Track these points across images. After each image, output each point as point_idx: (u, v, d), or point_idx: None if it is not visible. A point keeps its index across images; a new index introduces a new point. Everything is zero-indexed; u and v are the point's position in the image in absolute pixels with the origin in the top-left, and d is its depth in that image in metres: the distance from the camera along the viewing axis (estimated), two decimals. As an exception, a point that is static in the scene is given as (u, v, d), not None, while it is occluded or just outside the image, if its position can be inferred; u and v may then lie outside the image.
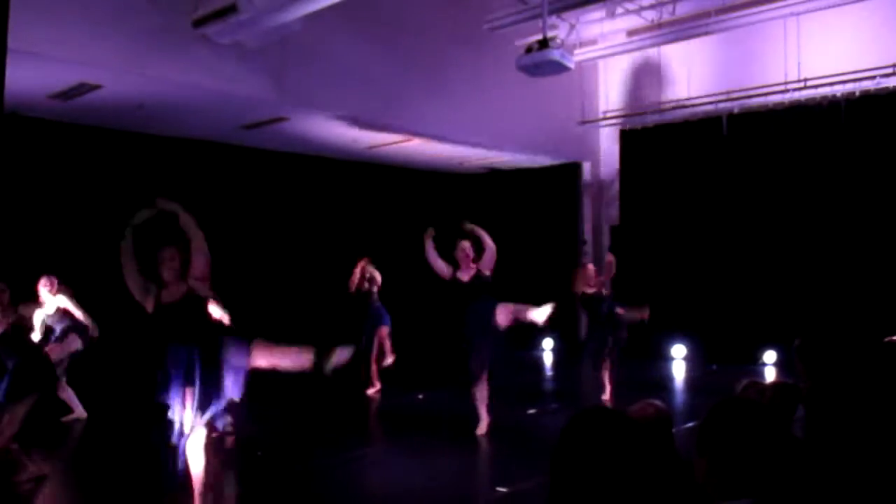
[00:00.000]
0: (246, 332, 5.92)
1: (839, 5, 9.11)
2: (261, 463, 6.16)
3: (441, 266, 6.97)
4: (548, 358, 13.01)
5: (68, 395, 7.43)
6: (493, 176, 14.46)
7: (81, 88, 8.13)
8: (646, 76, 12.95)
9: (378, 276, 9.37)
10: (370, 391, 9.26)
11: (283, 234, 11.79)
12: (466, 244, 7.16)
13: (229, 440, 6.59)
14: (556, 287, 13.66)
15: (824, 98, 10.92)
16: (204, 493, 4.77)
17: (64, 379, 7.33)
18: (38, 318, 7.18)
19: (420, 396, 9.09)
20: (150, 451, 6.66)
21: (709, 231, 12.19)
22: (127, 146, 10.20)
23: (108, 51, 7.34)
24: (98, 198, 10.00)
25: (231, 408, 5.08)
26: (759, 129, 11.66)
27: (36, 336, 6.89)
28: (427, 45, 10.32)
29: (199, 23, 7.69)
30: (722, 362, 11.49)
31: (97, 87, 8.09)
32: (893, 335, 6.02)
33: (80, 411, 7.49)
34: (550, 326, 13.18)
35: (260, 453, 6.50)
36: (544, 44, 7.40)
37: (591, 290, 8.40)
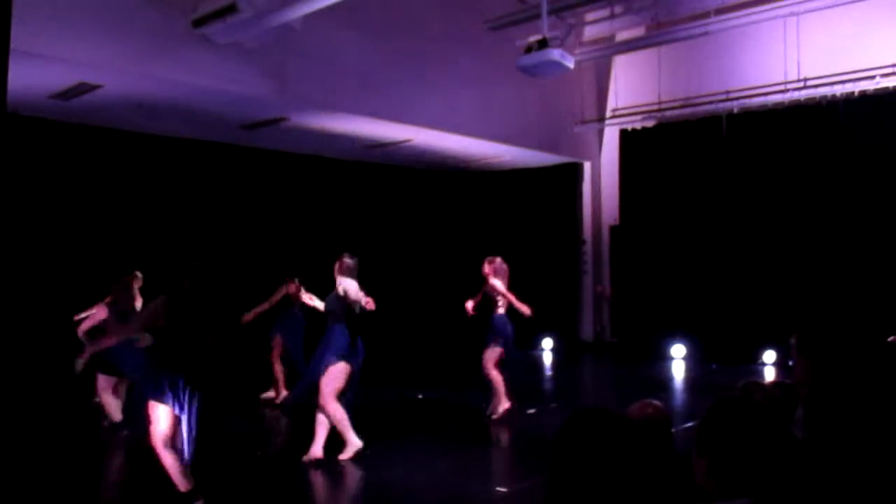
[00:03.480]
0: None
1: (839, 5, 9.10)
2: (261, 463, 6.16)
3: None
4: (547, 358, 13.01)
5: None
6: (493, 176, 14.46)
7: (81, 88, 8.13)
8: (646, 76, 12.94)
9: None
10: (270, 395, 8.74)
11: (282, 234, 11.79)
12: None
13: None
14: (556, 287, 13.75)
15: (823, 98, 10.93)
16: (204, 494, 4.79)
17: None
18: None
19: (419, 396, 9.08)
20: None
21: (709, 231, 12.19)
22: (127, 146, 10.20)
23: (108, 51, 7.34)
24: (98, 198, 10.02)
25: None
26: (759, 129, 11.67)
27: None
28: (427, 45, 10.31)
29: (199, 23, 7.69)
30: (722, 362, 11.50)
31: (97, 87, 8.09)
32: (893, 335, 6.01)
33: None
34: (551, 326, 13.30)
35: (260, 453, 6.50)
36: (544, 44, 7.38)
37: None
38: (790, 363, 3.39)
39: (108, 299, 7.28)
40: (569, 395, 9.75)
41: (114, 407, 7.19)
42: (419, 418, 7.88)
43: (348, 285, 6.11)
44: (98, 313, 7.09)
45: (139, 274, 7.69)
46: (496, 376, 7.74)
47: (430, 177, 14.17)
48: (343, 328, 6.08)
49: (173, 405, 4.70)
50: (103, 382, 7.18)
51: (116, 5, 7.35)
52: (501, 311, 7.83)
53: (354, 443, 6.16)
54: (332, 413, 6.03)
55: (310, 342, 8.62)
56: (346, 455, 6.11)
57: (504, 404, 7.74)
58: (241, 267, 10.58)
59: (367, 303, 6.21)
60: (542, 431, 7.17)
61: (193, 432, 4.79)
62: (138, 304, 7.43)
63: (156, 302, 4.87)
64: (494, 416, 7.70)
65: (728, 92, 11.64)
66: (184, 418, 4.74)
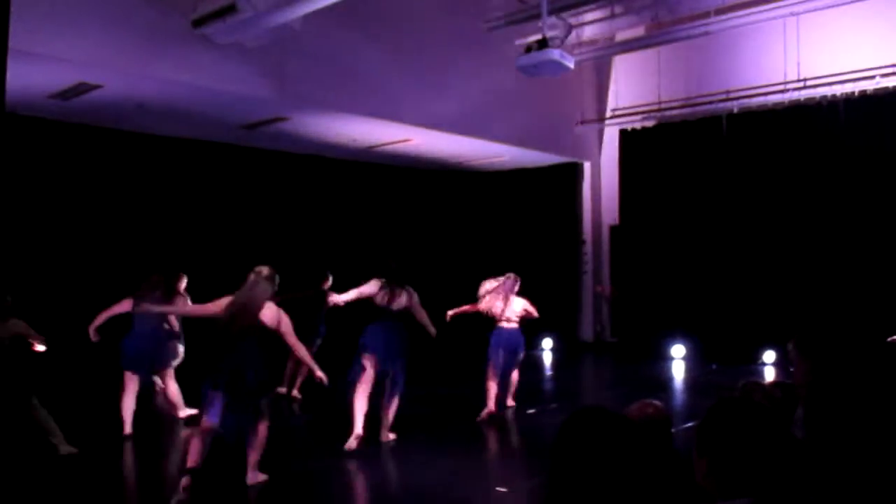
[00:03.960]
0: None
1: (839, 5, 9.11)
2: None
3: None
4: (547, 358, 13.01)
5: None
6: (493, 176, 14.46)
7: (81, 88, 8.13)
8: (646, 76, 12.95)
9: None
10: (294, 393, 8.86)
11: (282, 234, 11.78)
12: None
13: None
14: (556, 287, 13.75)
15: (824, 98, 10.94)
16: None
17: None
18: None
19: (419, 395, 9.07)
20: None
21: (708, 231, 12.19)
22: (127, 146, 10.20)
23: (108, 51, 7.34)
24: (98, 198, 10.01)
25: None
26: (759, 129, 11.67)
27: None
28: (427, 45, 10.31)
29: (199, 23, 7.69)
30: (722, 362, 11.50)
31: (97, 87, 8.09)
32: (894, 335, 6.01)
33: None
34: (551, 326, 13.29)
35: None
36: (543, 44, 7.38)
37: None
38: (791, 370, 3.38)
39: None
40: (569, 395, 9.75)
41: (128, 413, 7.08)
42: (419, 418, 7.87)
43: (367, 285, 6.90)
44: (122, 305, 7.06)
45: (184, 275, 8.07)
46: (489, 385, 7.78)
47: (431, 177, 14.17)
48: (374, 324, 6.83)
49: (208, 395, 5.18)
50: (128, 382, 7.10)
51: (116, 5, 7.35)
52: (504, 324, 7.81)
53: (356, 430, 6.51)
54: (354, 399, 6.60)
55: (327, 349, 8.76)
56: (349, 445, 6.43)
57: (487, 409, 7.70)
58: (240, 266, 10.57)
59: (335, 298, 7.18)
60: (542, 431, 7.18)
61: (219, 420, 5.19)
62: (183, 301, 7.62)
63: (224, 300, 5.37)
64: (478, 419, 7.71)
65: (728, 92, 11.64)
66: (214, 412, 5.16)
